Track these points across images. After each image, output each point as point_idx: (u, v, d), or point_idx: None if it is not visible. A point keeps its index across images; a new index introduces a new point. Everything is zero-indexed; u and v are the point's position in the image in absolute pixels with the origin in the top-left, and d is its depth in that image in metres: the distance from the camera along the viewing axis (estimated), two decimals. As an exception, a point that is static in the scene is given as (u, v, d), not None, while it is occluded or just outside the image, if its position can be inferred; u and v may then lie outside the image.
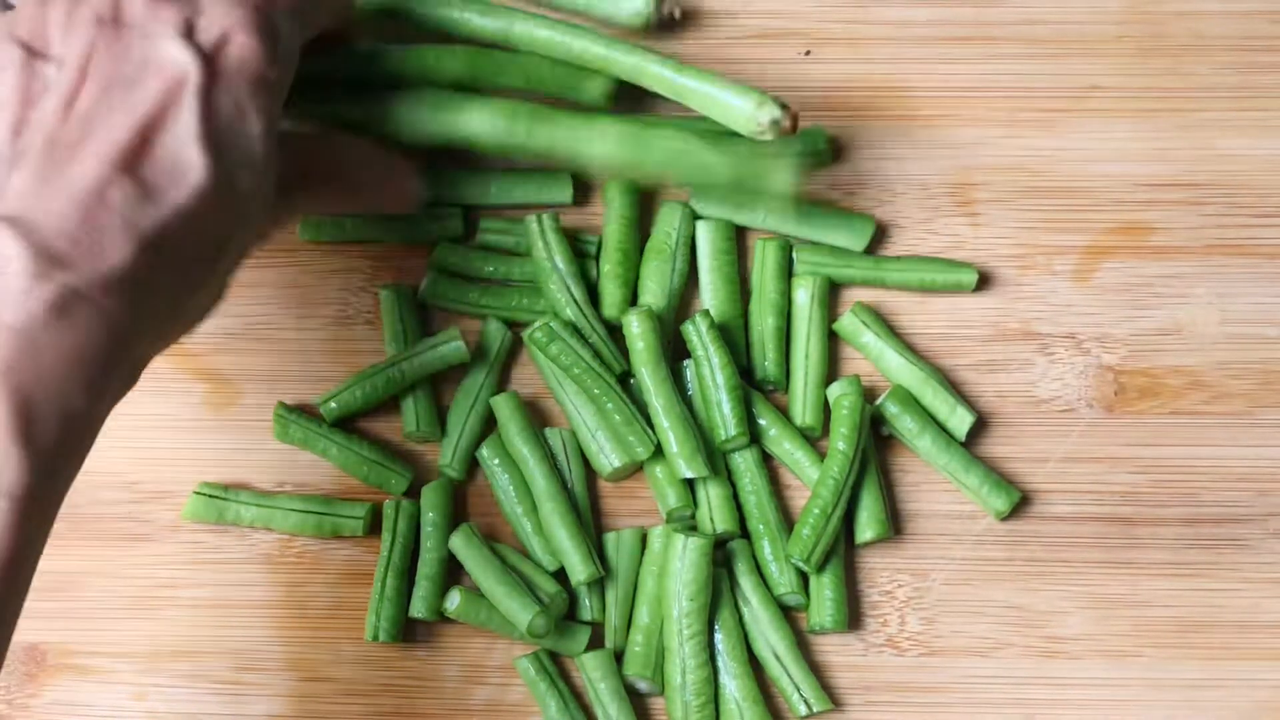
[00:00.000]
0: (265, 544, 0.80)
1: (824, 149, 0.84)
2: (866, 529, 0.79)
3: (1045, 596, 0.80)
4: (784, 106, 0.77)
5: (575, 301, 0.80)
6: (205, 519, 0.80)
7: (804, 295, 0.82)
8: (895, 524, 0.80)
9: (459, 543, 0.78)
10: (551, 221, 0.82)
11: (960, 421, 0.80)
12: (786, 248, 0.83)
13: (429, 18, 0.81)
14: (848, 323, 0.82)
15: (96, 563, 0.80)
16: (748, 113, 0.77)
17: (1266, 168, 0.85)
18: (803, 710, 0.78)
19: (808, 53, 0.87)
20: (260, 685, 0.79)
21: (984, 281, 0.83)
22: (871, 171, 0.85)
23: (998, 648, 0.79)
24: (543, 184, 0.83)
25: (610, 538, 0.79)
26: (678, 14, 0.84)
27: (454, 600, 0.77)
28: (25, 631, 0.79)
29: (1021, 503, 0.81)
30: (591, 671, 0.77)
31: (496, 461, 0.80)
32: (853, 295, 0.83)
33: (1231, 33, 0.87)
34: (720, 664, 0.78)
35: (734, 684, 0.77)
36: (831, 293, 0.83)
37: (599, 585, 0.79)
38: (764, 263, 0.82)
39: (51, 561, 0.80)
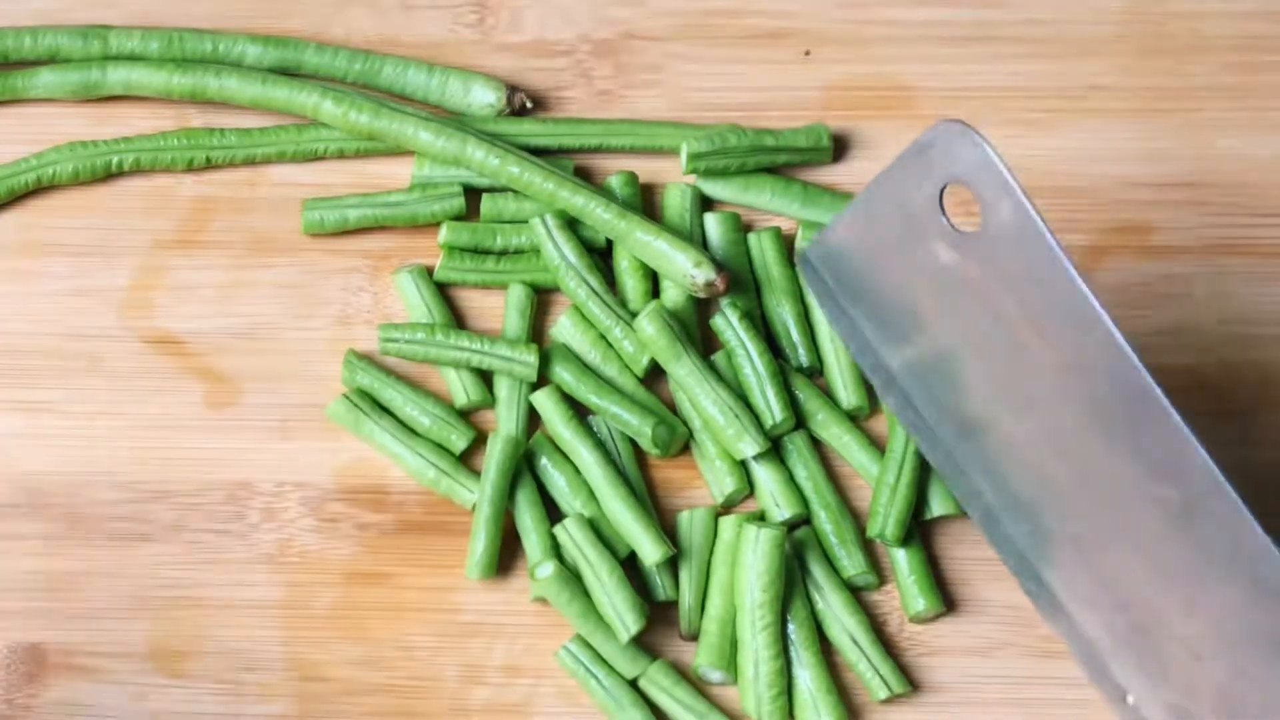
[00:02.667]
0: (265, 544, 0.80)
1: (826, 146, 0.84)
2: (938, 505, 0.79)
3: (1045, 596, 0.80)
4: (720, 268, 0.79)
5: (596, 294, 0.81)
6: (344, 424, 0.80)
7: None
8: None
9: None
10: (556, 219, 0.82)
11: None
12: (780, 234, 0.83)
13: (386, 132, 0.83)
14: None
15: (96, 563, 0.80)
16: (684, 268, 0.79)
17: (1266, 168, 0.85)
18: (882, 694, 0.77)
19: (808, 53, 0.87)
20: (260, 685, 0.79)
21: (984, 281, 0.84)
22: (871, 171, 0.85)
23: (998, 648, 0.79)
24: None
25: (684, 516, 0.79)
26: (529, 104, 0.85)
27: (546, 570, 0.77)
28: (25, 631, 0.79)
29: (1022, 502, 0.81)
30: (661, 680, 0.78)
31: (546, 461, 0.80)
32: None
33: (1231, 33, 0.87)
34: (793, 655, 0.78)
35: (807, 675, 0.77)
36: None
37: (671, 566, 0.79)
38: (763, 252, 0.83)
39: (51, 561, 0.80)
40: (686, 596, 0.79)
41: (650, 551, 0.77)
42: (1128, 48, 0.87)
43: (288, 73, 0.86)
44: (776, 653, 0.77)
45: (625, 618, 0.77)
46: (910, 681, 0.78)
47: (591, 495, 0.79)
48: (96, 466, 0.81)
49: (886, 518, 0.78)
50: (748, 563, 0.77)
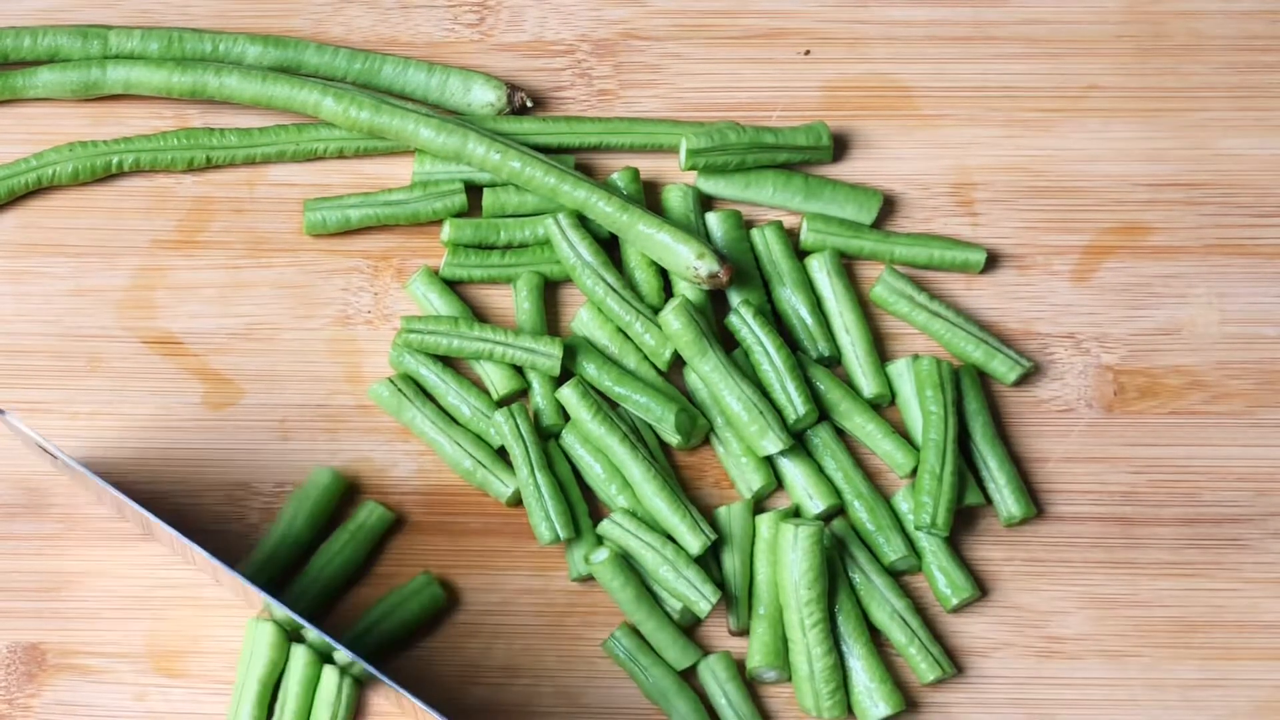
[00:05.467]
0: (265, 544, 0.80)
1: (826, 145, 0.84)
2: (1013, 506, 0.80)
3: (1045, 596, 0.80)
4: (723, 260, 0.79)
5: (613, 290, 0.81)
6: (386, 407, 0.81)
7: (819, 270, 0.82)
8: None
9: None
10: (569, 218, 0.82)
11: (1010, 370, 0.81)
12: (783, 227, 0.83)
13: (387, 128, 0.83)
14: (882, 290, 0.82)
15: (96, 563, 0.80)
16: (687, 260, 0.79)
17: (1266, 167, 0.85)
18: (931, 676, 0.77)
19: (808, 53, 0.87)
20: (260, 685, 0.79)
21: (984, 281, 0.84)
22: (871, 171, 0.85)
23: (998, 648, 0.79)
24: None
25: (722, 512, 0.79)
26: (529, 104, 0.85)
27: (601, 555, 0.77)
28: (25, 631, 0.79)
29: (1022, 502, 0.81)
30: (720, 672, 0.78)
31: (580, 448, 0.80)
32: (866, 275, 0.84)
33: (1231, 33, 0.87)
34: (844, 648, 0.77)
35: (860, 665, 0.77)
36: (845, 271, 0.83)
37: (713, 560, 0.79)
38: (769, 247, 0.83)
39: (51, 561, 0.80)
40: (734, 590, 0.79)
41: (691, 543, 0.77)
42: (1127, 47, 0.87)
43: (288, 72, 0.86)
44: (829, 648, 0.76)
45: (703, 589, 0.77)
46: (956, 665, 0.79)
47: (625, 483, 0.79)
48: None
49: (936, 506, 0.78)
50: (789, 561, 0.76)
